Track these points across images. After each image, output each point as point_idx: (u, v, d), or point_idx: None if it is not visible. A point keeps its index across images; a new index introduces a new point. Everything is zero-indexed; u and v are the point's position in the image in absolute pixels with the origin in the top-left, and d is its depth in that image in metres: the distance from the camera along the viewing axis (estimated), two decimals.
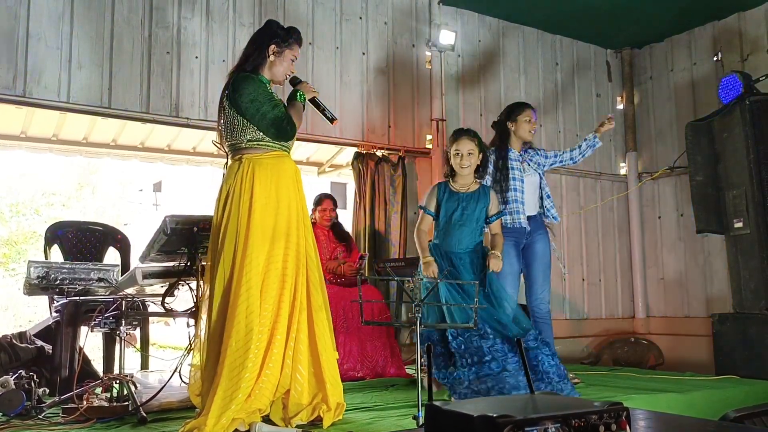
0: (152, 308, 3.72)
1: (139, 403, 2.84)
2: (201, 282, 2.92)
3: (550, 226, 4.15)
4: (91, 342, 3.89)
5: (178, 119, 4.65)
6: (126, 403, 2.93)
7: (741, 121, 4.94)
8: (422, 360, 2.67)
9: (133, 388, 2.99)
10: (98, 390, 3.08)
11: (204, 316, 2.81)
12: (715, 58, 6.04)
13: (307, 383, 2.74)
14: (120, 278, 3.64)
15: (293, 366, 2.73)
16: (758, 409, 1.77)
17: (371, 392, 3.62)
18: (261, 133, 2.83)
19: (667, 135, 6.47)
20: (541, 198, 4.02)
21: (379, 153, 5.37)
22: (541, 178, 4.02)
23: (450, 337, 3.27)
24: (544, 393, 1.61)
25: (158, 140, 5.88)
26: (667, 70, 6.52)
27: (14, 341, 3.85)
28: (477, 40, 6.04)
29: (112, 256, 4.54)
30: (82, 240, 4.39)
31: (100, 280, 3.60)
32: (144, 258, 3.12)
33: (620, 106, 6.87)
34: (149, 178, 19.58)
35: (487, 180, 3.90)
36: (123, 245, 4.52)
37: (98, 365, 4.14)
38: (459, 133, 3.48)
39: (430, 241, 3.52)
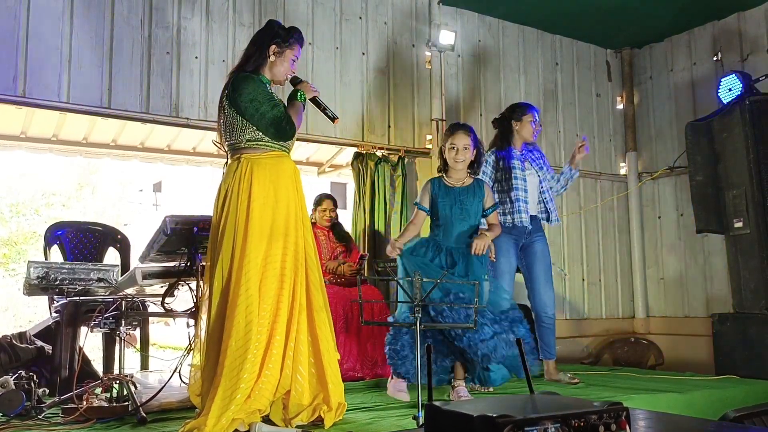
0: (152, 308, 3.72)
1: (138, 404, 2.84)
2: (201, 282, 2.92)
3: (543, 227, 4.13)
4: (90, 342, 3.89)
5: (177, 119, 4.65)
6: (126, 403, 2.93)
7: (741, 121, 4.94)
8: (422, 360, 2.67)
9: (132, 388, 2.99)
10: (98, 390, 3.08)
11: (204, 316, 2.81)
12: (714, 58, 6.04)
13: (308, 384, 2.73)
14: (120, 278, 3.64)
15: (293, 366, 2.73)
16: (758, 408, 1.77)
17: (371, 392, 3.62)
18: (260, 133, 2.83)
19: (666, 135, 6.47)
20: (542, 200, 4.02)
21: (378, 153, 5.37)
22: (541, 180, 4.01)
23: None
24: (544, 393, 1.61)
25: (158, 140, 5.88)
26: (667, 69, 6.52)
27: (14, 341, 3.85)
28: (477, 40, 6.04)
29: (112, 256, 4.54)
30: (82, 240, 4.40)
31: (99, 280, 3.59)
32: (144, 258, 3.12)
33: (620, 106, 6.87)
34: (149, 179, 19.59)
35: (489, 182, 3.90)
36: (123, 245, 4.53)
37: (98, 365, 4.14)
38: (455, 128, 3.48)
39: (418, 236, 3.51)
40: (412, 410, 2.95)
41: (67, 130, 5.44)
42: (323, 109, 3.07)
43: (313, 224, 4.55)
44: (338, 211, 4.84)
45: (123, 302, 3.12)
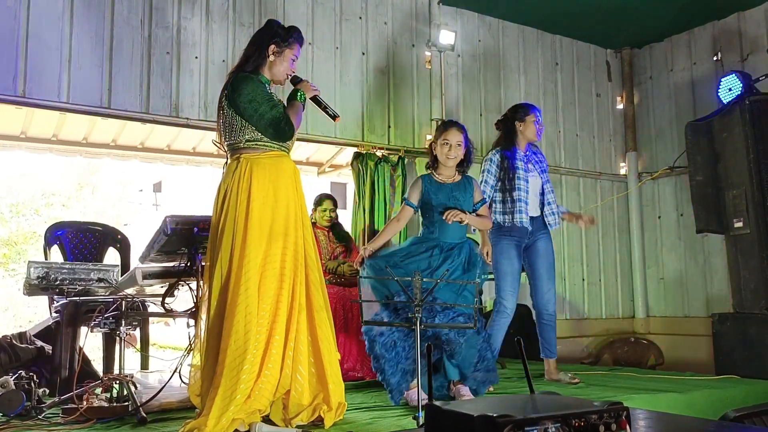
0: (152, 309, 3.72)
1: (139, 404, 2.84)
2: (201, 282, 2.92)
3: None
4: (91, 342, 3.90)
5: (177, 119, 4.65)
6: (126, 403, 2.93)
7: (741, 121, 4.94)
8: (422, 360, 2.67)
9: (133, 388, 2.99)
10: (98, 390, 3.08)
11: (203, 316, 2.81)
12: (714, 58, 6.04)
13: (308, 383, 2.73)
14: (120, 278, 3.64)
15: (293, 366, 2.72)
16: (758, 408, 1.77)
17: (371, 392, 3.62)
18: (260, 133, 2.83)
19: (666, 135, 6.48)
20: (543, 202, 4.02)
21: (378, 153, 5.37)
22: (543, 183, 4.01)
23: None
24: (544, 393, 1.61)
25: (158, 140, 5.88)
26: (667, 69, 6.52)
27: (14, 341, 3.85)
28: (477, 40, 6.04)
29: (112, 256, 4.54)
30: (82, 240, 4.39)
31: (100, 280, 3.60)
32: (144, 258, 3.12)
33: (620, 106, 6.87)
34: (149, 179, 19.58)
35: (493, 180, 3.90)
36: (123, 245, 4.53)
37: (98, 365, 4.14)
38: (448, 124, 3.47)
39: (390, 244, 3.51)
40: (412, 410, 2.95)
41: (67, 130, 5.44)
42: (324, 108, 3.06)
43: (313, 224, 4.55)
44: (338, 211, 4.84)
45: (123, 302, 3.12)
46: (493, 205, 3.93)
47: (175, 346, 8.48)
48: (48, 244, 4.30)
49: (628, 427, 1.27)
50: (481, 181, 3.87)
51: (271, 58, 2.91)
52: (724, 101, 5.13)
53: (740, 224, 4.94)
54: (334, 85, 5.25)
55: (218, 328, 2.67)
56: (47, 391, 3.24)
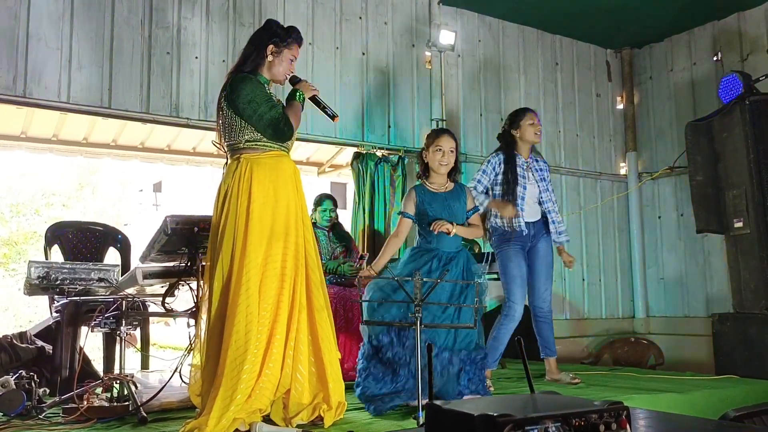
0: (152, 308, 3.73)
1: (139, 403, 2.84)
2: (201, 282, 2.92)
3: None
4: (91, 342, 3.90)
5: (178, 119, 4.65)
6: (126, 403, 2.93)
7: (741, 121, 4.94)
8: (422, 360, 2.67)
9: (133, 388, 2.99)
10: (99, 390, 3.08)
11: (204, 316, 2.81)
12: (714, 58, 6.04)
13: (308, 383, 2.73)
14: (120, 278, 3.64)
15: (293, 366, 2.73)
16: (758, 408, 1.77)
17: None
18: (259, 134, 2.82)
19: (667, 135, 6.48)
20: (543, 211, 4.01)
21: (378, 153, 5.38)
22: (540, 191, 4.00)
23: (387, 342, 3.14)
24: (544, 392, 1.61)
25: (158, 140, 5.89)
26: (667, 69, 6.52)
27: (15, 341, 3.85)
28: (477, 40, 6.04)
29: (112, 256, 4.54)
30: (82, 240, 4.39)
31: (100, 280, 3.59)
32: (144, 258, 3.12)
33: (620, 106, 6.88)
34: (149, 179, 19.59)
35: (487, 178, 3.90)
36: (123, 245, 4.53)
37: (98, 365, 4.14)
38: (440, 132, 3.47)
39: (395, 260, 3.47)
40: (412, 410, 2.94)
41: (68, 130, 5.45)
42: (323, 108, 3.06)
43: (314, 224, 4.54)
44: (338, 211, 4.84)
45: (123, 302, 3.12)
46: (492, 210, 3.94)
47: (175, 346, 8.48)
48: (48, 244, 4.30)
49: (628, 426, 1.27)
50: (475, 181, 3.87)
51: (270, 58, 2.91)
52: (724, 101, 5.13)
53: (740, 224, 4.94)
54: (334, 85, 5.25)
55: (219, 328, 2.67)
56: (47, 390, 3.25)
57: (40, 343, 3.96)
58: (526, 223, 3.90)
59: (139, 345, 4.17)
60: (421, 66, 5.70)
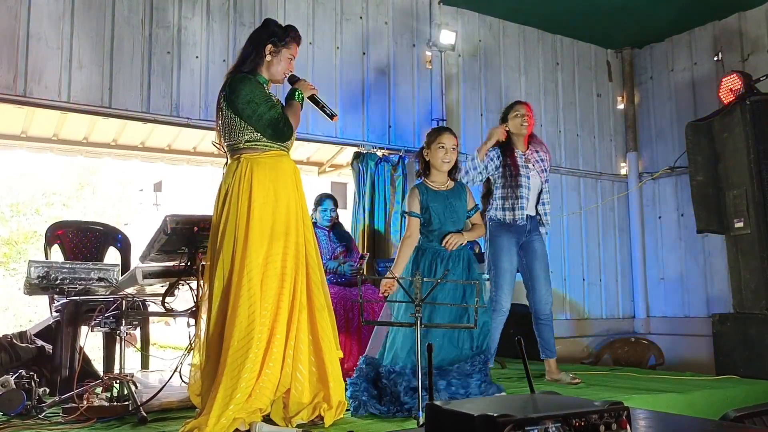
0: (152, 308, 3.72)
1: (139, 403, 2.84)
2: (201, 282, 2.92)
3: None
4: (91, 342, 3.89)
5: (178, 119, 4.65)
6: (126, 402, 2.93)
7: (741, 121, 4.94)
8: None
9: (133, 387, 2.99)
10: (98, 390, 3.08)
11: (204, 315, 2.81)
12: (715, 58, 6.04)
13: (308, 382, 2.73)
14: (120, 278, 3.64)
15: (293, 365, 2.72)
16: (759, 408, 1.77)
17: None
18: (259, 134, 2.82)
19: (667, 135, 6.47)
20: (542, 202, 4.02)
21: (379, 153, 5.38)
22: (542, 183, 4.01)
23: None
24: (544, 393, 1.60)
25: (159, 140, 5.88)
26: (668, 69, 6.52)
27: (14, 341, 3.85)
28: (477, 40, 6.04)
29: (112, 255, 4.54)
30: (82, 240, 4.39)
31: (100, 279, 3.60)
32: (144, 258, 3.12)
33: (621, 106, 6.87)
34: (149, 178, 19.58)
35: (479, 174, 3.91)
36: (123, 245, 4.53)
37: (98, 365, 4.14)
38: (442, 129, 3.47)
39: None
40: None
41: (68, 130, 5.44)
42: (321, 107, 3.05)
43: (314, 224, 4.54)
44: (338, 210, 4.84)
45: (123, 302, 3.12)
46: (493, 201, 3.94)
47: (175, 346, 8.48)
48: (48, 244, 4.30)
49: (628, 426, 1.27)
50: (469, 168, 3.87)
51: (269, 57, 2.91)
52: (725, 101, 5.13)
53: (741, 224, 4.94)
54: (334, 85, 5.25)
55: (220, 328, 2.67)
56: (47, 390, 3.24)
57: (40, 342, 3.95)
58: (528, 216, 3.91)
59: (139, 345, 4.17)
60: (421, 66, 5.70)
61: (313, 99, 3.04)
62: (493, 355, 3.92)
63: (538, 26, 6.34)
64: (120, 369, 3.10)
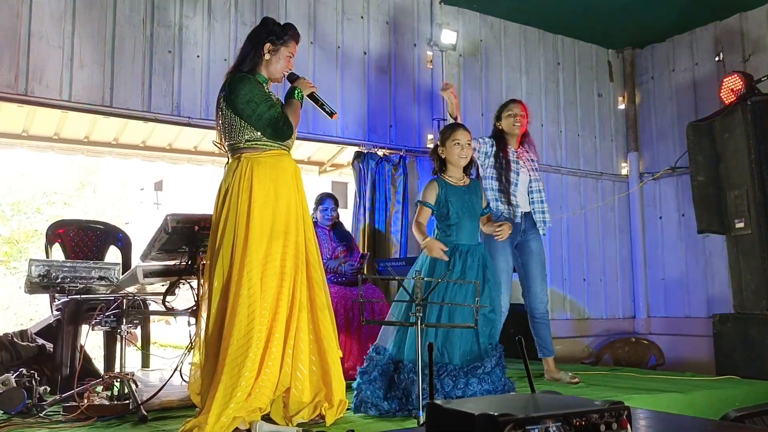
0: (153, 307, 3.72)
1: (139, 402, 2.85)
2: (202, 281, 2.92)
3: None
4: (92, 340, 3.89)
5: (179, 118, 4.65)
6: (127, 401, 2.93)
7: (742, 122, 4.94)
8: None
9: (133, 386, 2.99)
10: (99, 388, 3.09)
11: (204, 314, 2.81)
12: (716, 58, 6.04)
13: (308, 381, 2.73)
14: (121, 277, 3.64)
15: (293, 364, 2.73)
16: (759, 408, 1.77)
17: None
18: (259, 133, 2.82)
19: (668, 135, 6.47)
20: (532, 201, 4.02)
21: (380, 152, 5.37)
22: (531, 180, 4.01)
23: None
24: (544, 392, 1.61)
25: (159, 139, 5.88)
26: (669, 70, 6.52)
27: (15, 339, 3.86)
28: (478, 40, 6.04)
29: (113, 254, 4.54)
30: (83, 238, 4.40)
31: (101, 278, 3.60)
32: (145, 257, 3.12)
33: (622, 106, 6.87)
34: (150, 177, 19.58)
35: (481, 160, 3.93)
36: (124, 244, 4.53)
37: (99, 364, 4.14)
38: (456, 126, 3.48)
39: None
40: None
41: (69, 129, 5.44)
42: (321, 105, 3.05)
43: (315, 223, 4.55)
44: (339, 210, 4.84)
45: (124, 300, 3.12)
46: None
47: (175, 345, 8.49)
48: (49, 242, 4.30)
49: (629, 426, 1.27)
50: None
51: (267, 56, 2.91)
52: (726, 102, 5.13)
53: (742, 225, 4.94)
54: (335, 85, 5.25)
55: (219, 327, 2.67)
56: (48, 389, 3.25)
57: (40, 341, 3.96)
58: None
59: (139, 343, 4.18)
60: (422, 65, 5.70)
61: (312, 97, 3.04)
62: None
63: (539, 26, 6.34)
64: (120, 368, 3.11)
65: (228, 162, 2.91)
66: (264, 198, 2.76)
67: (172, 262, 3.11)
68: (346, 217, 5.57)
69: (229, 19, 4.87)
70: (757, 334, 4.74)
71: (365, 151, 5.32)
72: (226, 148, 2.91)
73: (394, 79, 5.54)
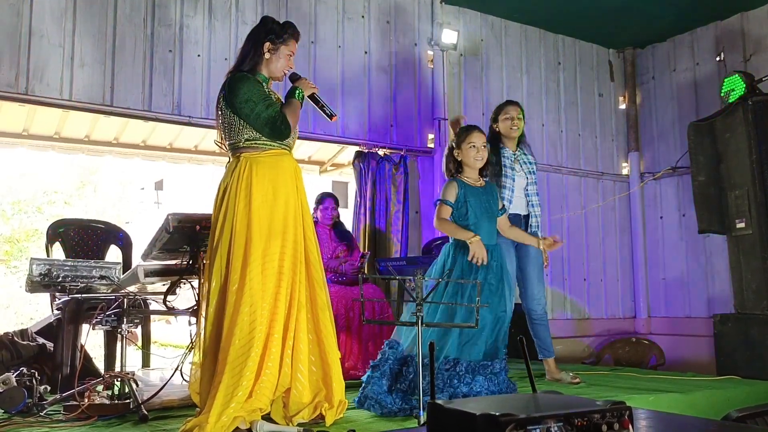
0: (154, 306, 3.72)
1: (140, 401, 2.84)
2: (202, 280, 2.92)
3: None
4: (92, 340, 3.89)
5: (180, 117, 4.65)
6: (127, 401, 2.93)
7: (743, 121, 4.93)
8: (424, 360, 2.67)
9: (134, 385, 2.99)
10: (99, 388, 3.08)
11: (204, 313, 2.81)
12: (717, 58, 6.03)
13: (308, 381, 2.73)
14: (122, 276, 3.64)
15: (293, 365, 2.72)
16: (761, 408, 1.77)
17: None
18: (258, 132, 2.82)
19: (669, 135, 6.47)
20: (529, 203, 4.02)
21: (380, 152, 5.37)
22: (528, 183, 4.00)
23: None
24: (546, 392, 1.60)
25: (160, 138, 5.88)
26: (670, 69, 6.51)
27: (16, 338, 3.86)
28: (479, 39, 6.04)
29: (113, 253, 4.54)
30: (84, 237, 4.39)
31: (101, 277, 3.59)
32: (146, 256, 3.12)
33: (622, 106, 6.87)
34: (151, 177, 19.58)
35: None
36: (125, 243, 4.53)
37: (100, 363, 4.14)
38: (471, 128, 3.50)
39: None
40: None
41: (69, 128, 5.44)
42: (321, 107, 3.04)
43: (315, 223, 4.54)
44: (339, 209, 4.84)
45: (125, 300, 3.12)
46: None
47: (176, 344, 8.49)
48: (50, 242, 4.30)
49: (630, 426, 1.26)
50: None
51: (267, 55, 2.90)
52: (727, 101, 5.12)
53: (742, 225, 4.93)
54: (336, 84, 5.24)
55: (217, 327, 2.67)
56: (48, 388, 3.25)
57: (41, 340, 3.96)
58: (515, 215, 3.91)
59: (140, 343, 4.17)
60: (423, 65, 5.70)
61: (313, 98, 3.04)
62: None
63: (540, 26, 6.34)
64: (121, 367, 3.10)
65: (229, 161, 2.91)
66: (262, 197, 2.75)
67: (173, 262, 3.11)
68: (347, 216, 5.57)
69: (229, 18, 4.87)
70: (758, 334, 4.73)
71: (366, 151, 5.32)
72: (227, 148, 2.91)
73: (394, 78, 5.54)
